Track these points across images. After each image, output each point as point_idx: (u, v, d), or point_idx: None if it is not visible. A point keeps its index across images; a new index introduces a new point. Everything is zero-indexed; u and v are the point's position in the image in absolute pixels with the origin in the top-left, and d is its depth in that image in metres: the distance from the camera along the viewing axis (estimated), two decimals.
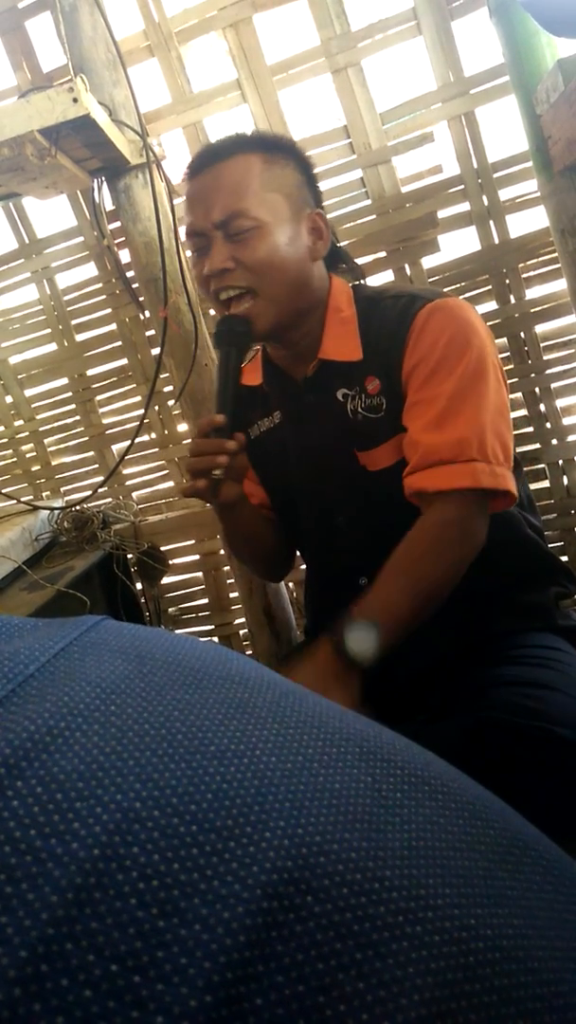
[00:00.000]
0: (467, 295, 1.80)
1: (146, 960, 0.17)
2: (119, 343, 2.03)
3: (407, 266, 1.80)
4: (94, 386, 2.08)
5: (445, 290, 1.77)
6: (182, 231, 1.83)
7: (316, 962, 0.18)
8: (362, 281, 1.30)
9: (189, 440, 2.01)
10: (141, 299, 1.91)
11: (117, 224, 1.85)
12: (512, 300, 1.77)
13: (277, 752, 0.24)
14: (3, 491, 1.99)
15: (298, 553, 1.42)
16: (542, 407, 1.81)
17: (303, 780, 0.23)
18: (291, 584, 2.07)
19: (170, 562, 2.14)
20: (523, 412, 1.81)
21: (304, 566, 1.44)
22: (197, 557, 2.14)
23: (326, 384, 1.16)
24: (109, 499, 2.15)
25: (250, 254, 1.06)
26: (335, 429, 1.15)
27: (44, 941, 0.16)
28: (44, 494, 2.19)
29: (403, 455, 1.10)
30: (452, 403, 1.04)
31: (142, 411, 1.93)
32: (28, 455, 2.18)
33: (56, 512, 2.06)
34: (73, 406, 2.11)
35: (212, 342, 1.15)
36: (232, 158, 1.09)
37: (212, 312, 1.93)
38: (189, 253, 1.17)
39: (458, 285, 1.80)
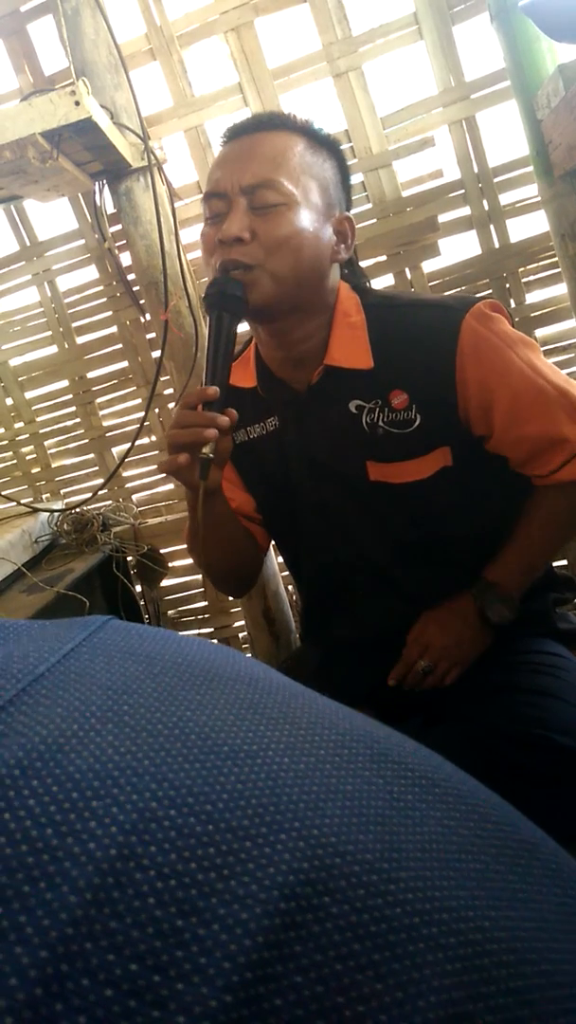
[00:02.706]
0: None
1: (165, 959, 0.17)
2: (120, 346, 2.03)
3: (407, 270, 1.80)
4: (94, 388, 2.09)
5: (447, 294, 1.78)
6: (183, 234, 1.84)
7: (334, 963, 0.18)
8: (365, 284, 1.25)
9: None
10: (142, 302, 1.91)
11: (118, 227, 1.85)
12: (512, 304, 1.77)
13: (289, 753, 0.24)
14: (3, 493, 1.99)
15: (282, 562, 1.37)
16: None
17: (316, 781, 0.23)
18: (291, 587, 2.07)
19: (170, 564, 2.14)
20: None
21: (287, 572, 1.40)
22: (191, 552, 2.14)
23: (335, 393, 1.10)
24: (109, 501, 2.15)
25: (271, 229, 0.98)
26: (346, 440, 1.10)
27: (63, 941, 0.16)
28: (44, 496, 2.19)
29: (443, 466, 1.08)
30: (557, 394, 1.05)
31: (142, 414, 1.94)
32: (28, 457, 2.18)
33: (56, 514, 2.06)
34: (73, 408, 2.11)
35: (202, 306, 1.03)
36: (277, 131, 1.02)
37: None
38: (195, 235, 1.07)
39: (458, 289, 1.80)
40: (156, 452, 2.10)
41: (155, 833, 0.19)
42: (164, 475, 2.11)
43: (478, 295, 1.79)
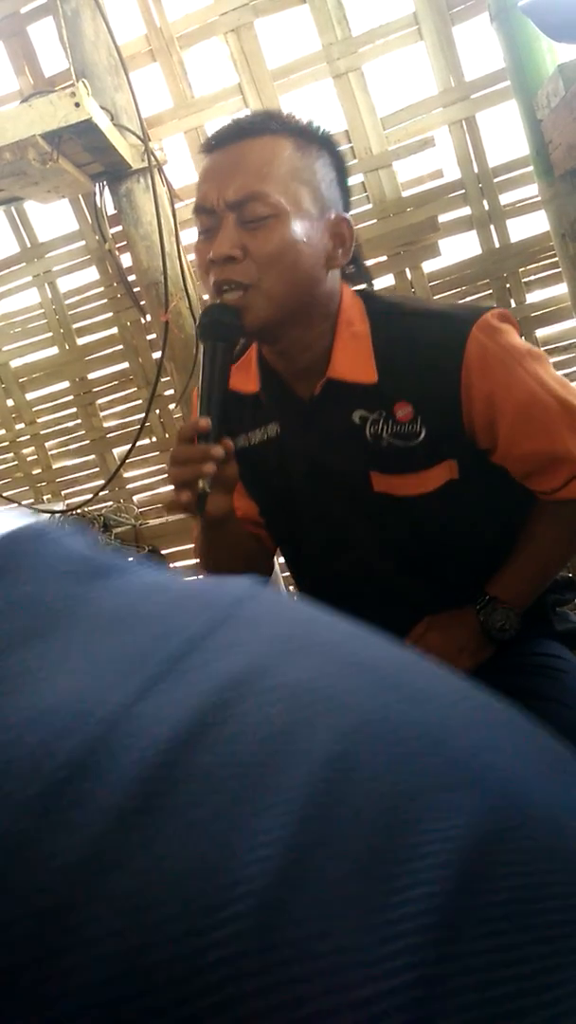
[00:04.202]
0: (468, 299, 1.82)
1: (387, 854, 0.19)
2: (120, 347, 2.03)
3: (408, 270, 1.82)
4: (95, 390, 2.09)
5: (448, 295, 1.80)
6: (184, 235, 1.84)
7: (529, 889, 0.20)
8: (367, 285, 1.23)
9: None
10: (142, 303, 1.92)
11: (118, 228, 1.86)
12: (513, 304, 1.79)
13: (455, 705, 0.26)
14: (4, 494, 1.99)
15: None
16: None
17: (484, 734, 0.25)
18: (291, 588, 2.07)
19: (171, 565, 2.14)
20: None
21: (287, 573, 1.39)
22: (198, 560, 2.14)
23: (338, 404, 1.07)
24: (110, 502, 2.15)
25: (262, 245, 0.94)
26: (349, 451, 1.08)
27: (303, 821, 0.19)
28: (45, 497, 2.18)
29: (449, 479, 1.06)
30: (563, 412, 1.03)
31: (143, 415, 1.94)
32: (29, 458, 2.18)
33: (57, 515, 2.06)
34: (74, 409, 2.12)
35: (197, 334, 1.03)
36: (261, 137, 0.97)
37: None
38: (195, 236, 1.05)
39: (459, 289, 1.82)
40: (157, 453, 2.11)
41: (369, 745, 0.21)
42: (165, 476, 2.11)
43: (479, 295, 1.82)
